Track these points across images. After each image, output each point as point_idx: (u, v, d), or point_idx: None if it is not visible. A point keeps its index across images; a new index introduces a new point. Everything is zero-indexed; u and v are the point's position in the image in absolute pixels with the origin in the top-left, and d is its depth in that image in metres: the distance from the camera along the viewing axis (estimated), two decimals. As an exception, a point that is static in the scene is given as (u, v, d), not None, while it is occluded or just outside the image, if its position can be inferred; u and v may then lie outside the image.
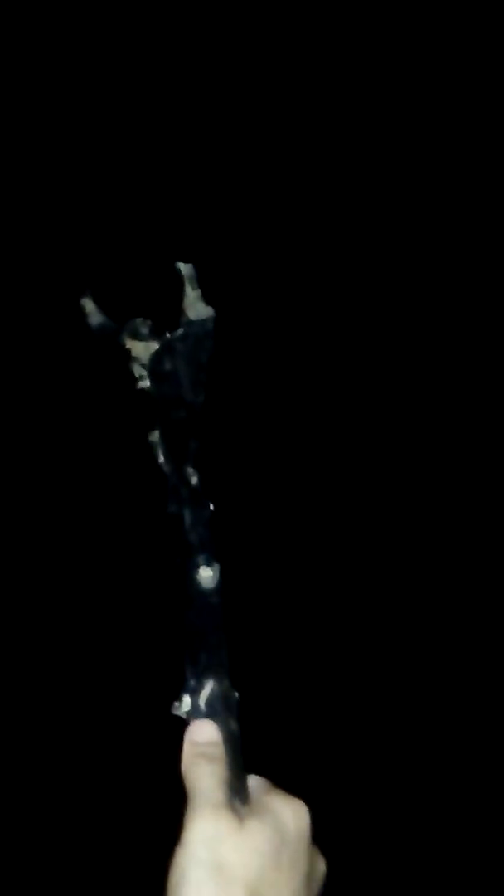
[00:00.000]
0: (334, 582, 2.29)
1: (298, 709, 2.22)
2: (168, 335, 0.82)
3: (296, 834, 0.73)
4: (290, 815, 0.73)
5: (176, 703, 0.76)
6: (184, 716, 0.76)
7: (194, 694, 0.76)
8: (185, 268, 0.82)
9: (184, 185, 2.23)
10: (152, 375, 0.81)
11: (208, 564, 0.78)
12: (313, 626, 2.28)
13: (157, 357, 0.81)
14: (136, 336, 0.82)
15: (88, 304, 0.83)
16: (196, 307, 0.83)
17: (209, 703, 0.76)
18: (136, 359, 0.82)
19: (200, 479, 0.80)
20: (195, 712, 0.76)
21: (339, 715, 2.23)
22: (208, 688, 0.76)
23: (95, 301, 0.83)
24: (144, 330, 0.83)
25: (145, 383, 0.82)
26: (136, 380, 0.82)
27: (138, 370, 0.82)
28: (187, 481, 0.80)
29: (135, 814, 2.09)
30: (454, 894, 2.07)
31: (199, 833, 0.70)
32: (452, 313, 2.34)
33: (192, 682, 0.76)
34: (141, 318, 0.83)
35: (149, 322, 0.83)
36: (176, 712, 0.76)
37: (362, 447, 2.32)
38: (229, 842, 0.70)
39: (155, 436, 0.81)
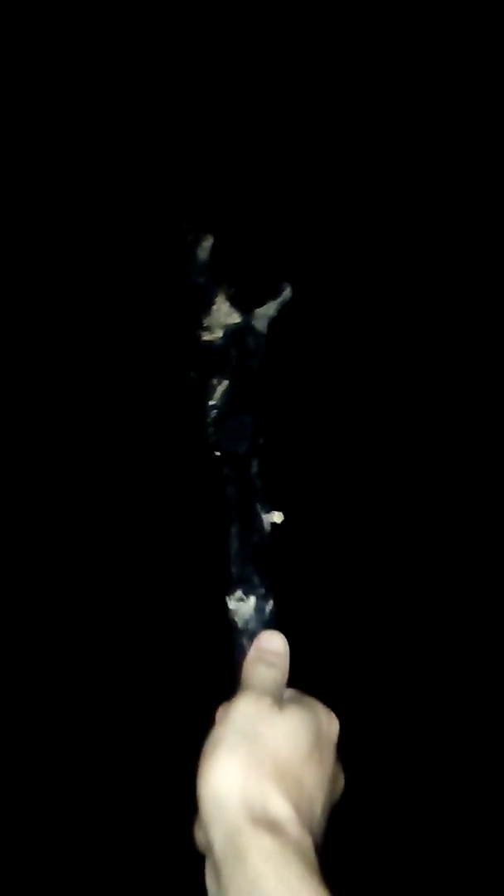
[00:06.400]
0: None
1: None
2: (251, 312, 0.88)
3: (328, 735, 0.76)
4: (325, 717, 0.77)
5: (231, 606, 0.82)
6: (235, 620, 0.83)
7: (241, 602, 0.83)
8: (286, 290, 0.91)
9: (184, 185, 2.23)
10: (230, 340, 0.87)
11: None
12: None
13: (236, 326, 0.87)
14: (227, 297, 0.87)
15: (207, 241, 0.88)
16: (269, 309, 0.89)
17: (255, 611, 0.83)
18: (214, 317, 0.86)
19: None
20: (244, 617, 0.82)
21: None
22: (252, 600, 0.83)
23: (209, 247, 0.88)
24: (231, 293, 0.88)
25: (215, 337, 0.86)
26: (202, 336, 0.87)
27: (213, 332, 0.86)
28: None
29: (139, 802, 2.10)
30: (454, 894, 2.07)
31: (241, 709, 0.73)
32: (452, 314, 2.34)
33: (239, 593, 0.83)
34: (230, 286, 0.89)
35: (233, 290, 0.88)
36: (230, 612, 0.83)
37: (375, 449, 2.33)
38: (268, 720, 0.73)
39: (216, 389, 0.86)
